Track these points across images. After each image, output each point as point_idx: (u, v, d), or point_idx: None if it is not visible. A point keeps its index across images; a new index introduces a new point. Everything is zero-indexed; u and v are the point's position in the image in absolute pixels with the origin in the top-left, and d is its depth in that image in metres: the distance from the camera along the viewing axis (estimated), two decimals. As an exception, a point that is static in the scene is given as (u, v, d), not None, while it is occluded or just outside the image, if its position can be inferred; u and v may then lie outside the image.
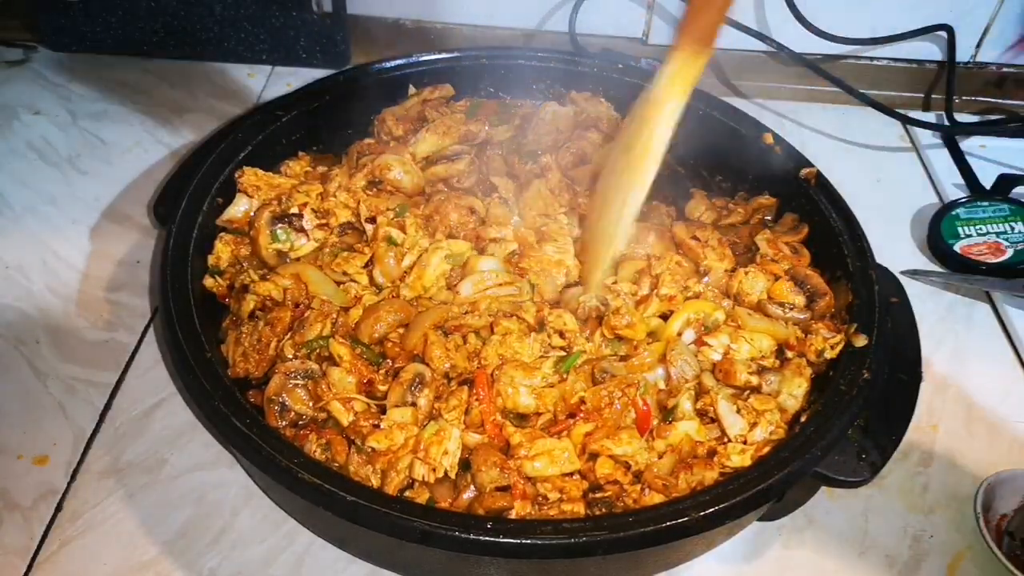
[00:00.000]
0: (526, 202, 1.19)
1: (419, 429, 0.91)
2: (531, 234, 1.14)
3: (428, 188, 1.21)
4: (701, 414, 0.96)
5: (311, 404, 0.95)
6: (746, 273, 1.08)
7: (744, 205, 1.22)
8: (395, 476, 0.87)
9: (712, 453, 0.92)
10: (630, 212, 0.94)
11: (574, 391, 0.95)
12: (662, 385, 0.99)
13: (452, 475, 0.88)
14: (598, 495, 0.88)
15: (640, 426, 0.93)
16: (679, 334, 1.02)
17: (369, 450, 0.89)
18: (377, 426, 0.91)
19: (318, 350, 0.99)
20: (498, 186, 1.21)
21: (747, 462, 0.90)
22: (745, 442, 0.92)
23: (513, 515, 0.85)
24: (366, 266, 1.08)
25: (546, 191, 1.20)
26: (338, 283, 1.07)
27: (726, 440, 0.93)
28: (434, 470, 0.87)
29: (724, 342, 1.01)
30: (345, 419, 0.92)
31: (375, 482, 0.88)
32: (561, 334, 1.01)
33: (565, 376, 0.97)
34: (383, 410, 0.94)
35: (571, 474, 0.90)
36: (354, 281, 1.07)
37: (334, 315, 1.02)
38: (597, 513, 0.86)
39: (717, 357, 1.01)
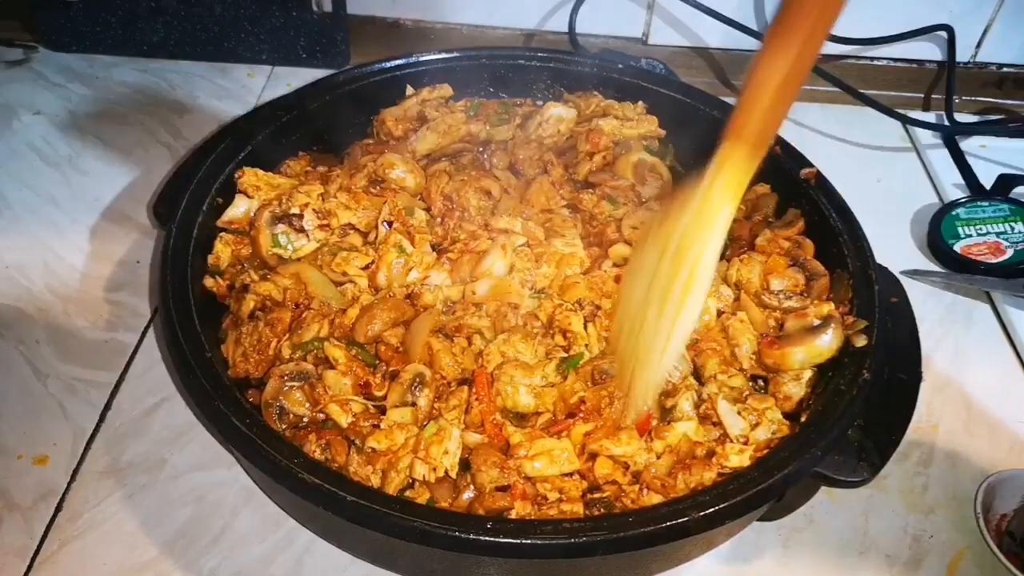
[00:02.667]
0: (528, 198, 1.19)
1: (419, 429, 0.91)
2: (539, 230, 1.14)
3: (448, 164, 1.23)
4: (704, 418, 0.96)
5: (309, 407, 0.95)
6: (742, 261, 1.09)
7: (743, 200, 1.22)
8: (395, 476, 0.87)
9: (711, 454, 0.92)
10: (669, 337, 0.77)
11: (574, 391, 0.95)
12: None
13: (452, 475, 0.88)
14: (596, 495, 0.88)
15: (640, 427, 0.93)
16: None
17: (369, 450, 0.89)
18: (377, 426, 0.91)
19: (315, 351, 0.99)
20: (501, 180, 1.21)
21: (746, 462, 0.89)
22: (746, 442, 0.92)
23: (513, 515, 0.85)
24: (367, 267, 1.08)
25: (548, 185, 1.20)
26: (338, 284, 1.07)
27: (727, 441, 0.93)
28: (434, 470, 0.87)
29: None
30: (344, 420, 0.92)
31: (375, 482, 0.88)
32: (564, 334, 1.01)
33: (566, 376, 0.97)
34: (382, 411, 0.94)
35: (570, 474, 0.90)
36: (353, 282, 1.07)
37: (332, 316, 1.02)
38: (596, 513, 0.86)
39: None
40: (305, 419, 0.94)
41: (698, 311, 0.77)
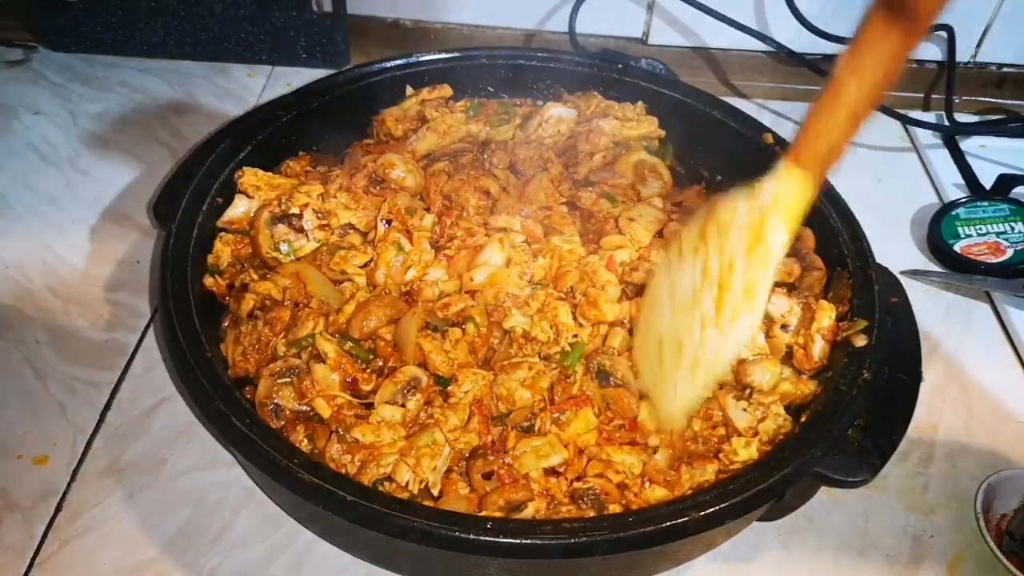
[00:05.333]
0: (527, 195, 1.19)
1: (405, 431, 0.91)
2: (538, 227, 1.14)
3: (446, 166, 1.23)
4: (706, 418, 0.96)
5: (296, 400, 0.95)
6: None
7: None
8: (374, 469, 0.87)
9: (717, 452, 0.92)
10: (707, 365, 0.73)
11: (581, 388, 0.96)
12: None
13: (434, 492, 0.89)
14: (580, 485, 0.89)
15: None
16: None
17: (352, 440, 0.89)
18: (363, 418, 0.91)
19: (309, 347, 0.99)
20: (500, 179, 1.21)
21: (754, 455, 0.90)
22: (755, 434, 0.92)
23: (530, 508, 0.86)
24: (365, 265, 1.08)
25: (547, 182, 1.20)
26: (337, 283, 1.07)
27: (734, 435, 0.93)
28: (420, 481, 0.87)
29: None
30: (326, 412, 0.93)
31: (351, 470, 0.88)
32: (554, 327, 1.01)
33: (572, 371, 0.97)
34: (367, 407, 0.94)
35: (558, 473, 0.91)
36: (352, 280, 1.07)
37: (328, 313, 1.02)
38: (585, 509, 0.87)
39: None
40: (287, 411, 0.94)
41: (743, 342, 0.73)
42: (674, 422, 0.80)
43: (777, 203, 0.67)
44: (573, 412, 0.93)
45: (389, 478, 0.88)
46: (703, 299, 0.69)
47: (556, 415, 0.93)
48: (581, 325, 1.02)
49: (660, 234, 1.14)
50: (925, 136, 1.58)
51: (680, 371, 0.72)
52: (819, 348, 0.99)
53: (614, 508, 0.87)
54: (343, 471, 0.88)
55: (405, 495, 0.87)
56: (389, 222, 1.09)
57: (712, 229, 0.70)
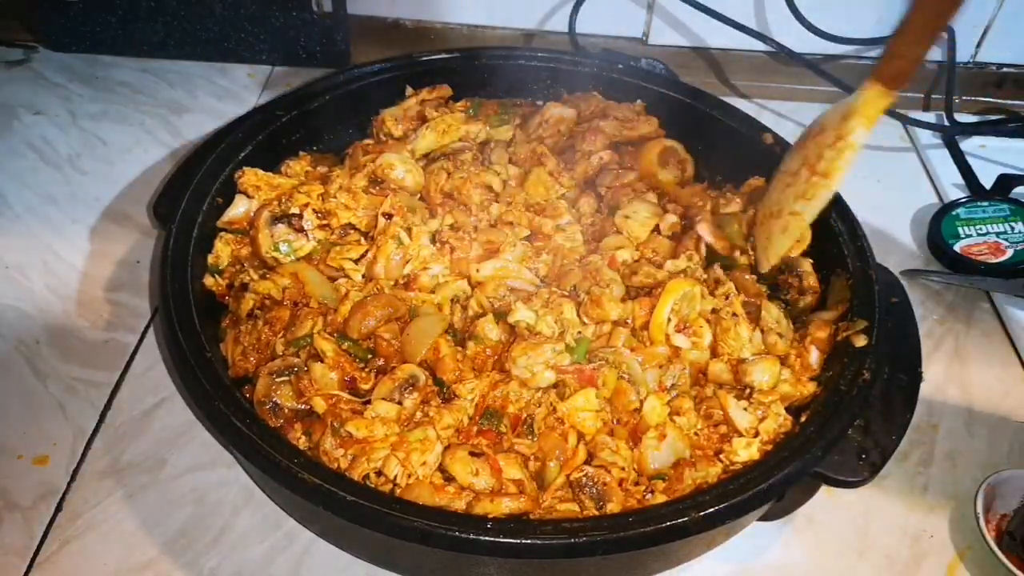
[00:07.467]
0: (527, 189, 1.20)
1: (400, 428, 0.91)
2: (546, 223, 1.15)
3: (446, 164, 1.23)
4: (707, 417, 0.97)
5: (295, 399, 0.95)
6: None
7: (738, 193, 1.22)
8: (365, 464, 0.87)
9: (718, 452, 0.92)
10: (800, 219, 1.02)
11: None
12: (652, 384, 0.99)
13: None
14: (579, 475, 0.88)
15: (632, 436, 0.94)
16: (668, 320, 1.02)
17: (345, 434, 0.89)
18: (358, 413, 0.91)
19: (307, 347, 0.99)
20: (500, 172, 1.22)
21: (755, 455, 0.90)
22: (756, 434, 0.92)
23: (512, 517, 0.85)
24: (361, 258, 1.08)
25: (545, 175, 1.21)
26: (333, 279, 1.07)
27: (734, 435, 0.93)
28: (409, 475, 0.87)
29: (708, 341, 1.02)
30: (323, 409, 0.93)
31: (343, 464, 0.88)
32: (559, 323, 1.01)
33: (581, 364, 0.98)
34: (366, 403, 0.94)
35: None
36: (347, 276, 1.07)
37: (327, 312, 1.02)
38: (587, 502, 0.87)
39: (697, 355, 1.01)
40: (286, 409, 0.94)
41: (821, 205, 0.99)
42: (765, 267, 1.07)
43: (858, 110, 0.92)
44: (576, 385, 0.94)
45: (380, 473, 0.88)
46: (800, 178, 0.99)
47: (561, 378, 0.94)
48: (585, 323, 1.02)
49: (657, 229, 1.14)
50: (925, 136, 1.58)
51: (775, 230, 1.03)
52: (814, 358, 1.00)
53: (613, 507, 0.87)
54: (335, 465, 0.88)
55: (388, 487, 0.87)
56: (390, 216, 1.09)
57: (811, 132, 0.98)
